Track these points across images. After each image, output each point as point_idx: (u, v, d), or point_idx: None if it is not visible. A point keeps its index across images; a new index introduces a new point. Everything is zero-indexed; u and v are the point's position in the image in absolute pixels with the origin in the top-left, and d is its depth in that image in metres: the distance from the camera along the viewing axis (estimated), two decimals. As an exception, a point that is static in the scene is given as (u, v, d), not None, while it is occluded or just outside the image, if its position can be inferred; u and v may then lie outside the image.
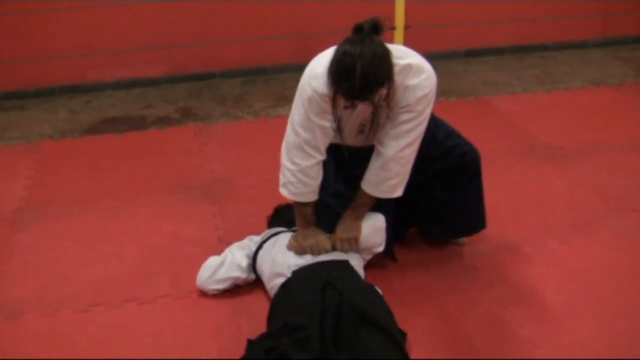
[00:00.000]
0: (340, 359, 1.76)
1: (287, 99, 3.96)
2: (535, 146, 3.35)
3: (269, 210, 2.54)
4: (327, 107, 1.95)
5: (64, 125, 3.80)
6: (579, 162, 3.18)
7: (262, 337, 1.89)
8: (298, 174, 2.08)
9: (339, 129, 2.04)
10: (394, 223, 2.30)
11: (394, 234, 2.35)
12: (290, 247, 2.17)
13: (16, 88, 4.18)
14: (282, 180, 2.14)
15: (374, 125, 2.01)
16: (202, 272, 2.26)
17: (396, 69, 1.87)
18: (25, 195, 2.98)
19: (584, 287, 2.29)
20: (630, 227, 2.64)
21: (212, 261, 2.27)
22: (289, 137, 2.08)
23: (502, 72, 4.52)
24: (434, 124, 2.19)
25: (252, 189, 2.98)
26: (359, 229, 2.17)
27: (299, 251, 2.15)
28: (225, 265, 2.24)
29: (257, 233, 2.38)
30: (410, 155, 2.07)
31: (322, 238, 2.16)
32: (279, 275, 2.11)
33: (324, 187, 2.17)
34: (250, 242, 2.32)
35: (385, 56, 1.83)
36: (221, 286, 2.25)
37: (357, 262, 2.18)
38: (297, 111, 2.02)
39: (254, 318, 2.14)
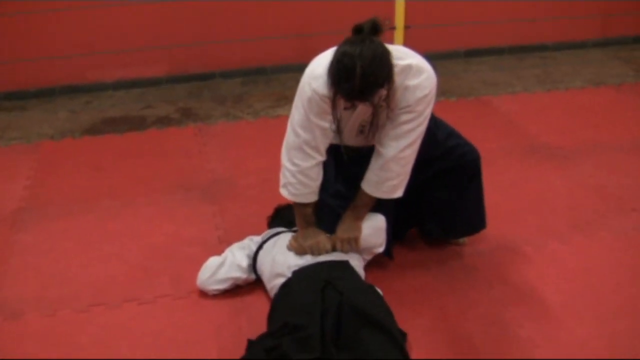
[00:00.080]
0: (341, 359, 1.77)
1: (287, 99, 3.96)
2: (535, 146, 3.35)
3: (269, 210, 2.54)
4: (327, 107, 1.95)
5: (64, 125, 3.80)
6: (579, 162, 3.18)
7: (262, 337, 1.89)
8: (298, 174, 2.08)
9: (339, 130, 2.03)
10: (394, 223, 2.30)
11: (394, 234, 2.35)
12: (290, 248, 2.17)
13: (16, 88, 4.18)
14: (282, 181, 2.14)
15: (374, 126, 2.01)
16: (202, 272, 2.26)
17: (396, 69, 1.87)
18: (25, 195, 2.98)
19: (584, 287, 2.29)
20: (630, 227, 2.64)
21: (213, 261, 2.27)
22: (289, 137, 2.08)
23: (502, 72, 4.52)
24: (434, 124, 2.19)
25: (252, 189, 2.98)
26: (359, 230, 2.17)
27: (299, 251, 2.15)
28: (225, 265, 2.24)
29: (257, 233, 2.38)
30: (410, 155, 2.07)
31: (323, 238, 2.16)
32: (279, 275, 2.11)
33: (324, 187, 2.17)
34: (251, 242, 2.32)
35: (385, 57, 1.83)
36: (221, 286, 2.25)
37: (357, 263, 2.18)
38: (297, 112, 2.02)
39: (254, 318, 2.14)
